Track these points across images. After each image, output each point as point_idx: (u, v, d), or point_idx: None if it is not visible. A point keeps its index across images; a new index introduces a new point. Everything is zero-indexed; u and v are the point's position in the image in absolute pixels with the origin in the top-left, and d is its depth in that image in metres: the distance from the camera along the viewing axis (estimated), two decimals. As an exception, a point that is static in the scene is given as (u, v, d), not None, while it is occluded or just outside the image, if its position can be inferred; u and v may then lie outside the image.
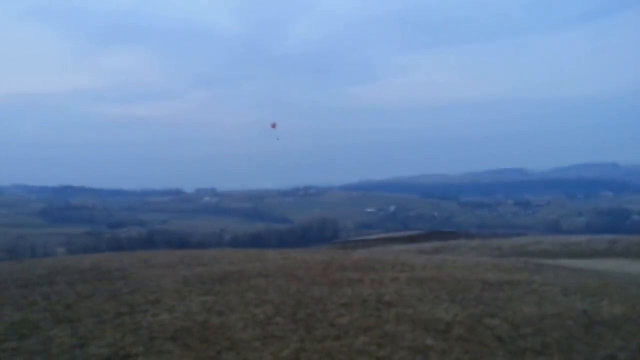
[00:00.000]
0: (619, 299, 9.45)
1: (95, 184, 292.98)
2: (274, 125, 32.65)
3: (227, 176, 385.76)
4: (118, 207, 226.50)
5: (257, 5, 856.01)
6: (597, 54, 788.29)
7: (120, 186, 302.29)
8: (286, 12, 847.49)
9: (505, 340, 6.90)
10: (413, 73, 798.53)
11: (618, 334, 7.47)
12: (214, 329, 6.94)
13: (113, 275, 10.76)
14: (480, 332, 7.19)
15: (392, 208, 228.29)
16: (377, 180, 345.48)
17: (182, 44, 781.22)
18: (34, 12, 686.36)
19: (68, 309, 8.02)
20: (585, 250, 50.70)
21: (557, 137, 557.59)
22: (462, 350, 6.45)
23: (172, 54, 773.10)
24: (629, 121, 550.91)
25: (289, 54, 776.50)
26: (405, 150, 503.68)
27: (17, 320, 7.50)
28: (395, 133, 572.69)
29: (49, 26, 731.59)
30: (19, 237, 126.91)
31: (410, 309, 8.08)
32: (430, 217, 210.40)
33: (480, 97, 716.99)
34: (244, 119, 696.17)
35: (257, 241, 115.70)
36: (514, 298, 9.15)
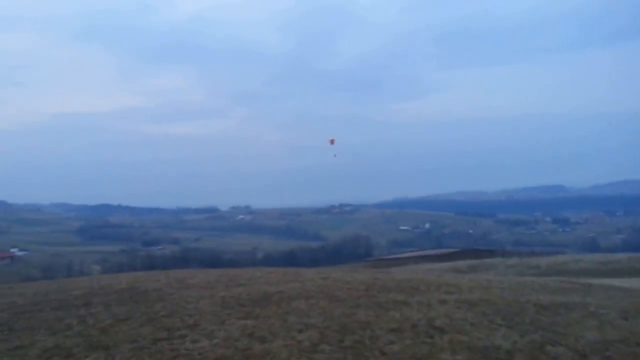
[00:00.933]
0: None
1: (133, 203, 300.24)
2: (332, 142, 32.86)
3: (262, 194, 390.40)
4: (154, 225, 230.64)
5: (303, 22, 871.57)
6: (635, 72, 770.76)
7: (158, 204, 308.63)
8: (331, 28, 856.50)
9: (572, 371, 6.33)
10: (455, 88, 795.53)
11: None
12: (257, 357, 6.51)
13: (150, 296, 10.48)
14: (544, 361, 6.61)
15: (426, 225, 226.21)
16: (413, 197, 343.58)
17: (226, 62, 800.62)
18: (86, 33, 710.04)
19: (103, 333, 7.70)
20: (625, 268, 48.87)
21: (596, 154, 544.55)
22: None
23: (216, 72, 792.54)
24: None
25: (333, 70, 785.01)
26: (442, 167, 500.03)
27: (50, 346, 7.21)
28: (433, 150, 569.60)
29: (99, 46, 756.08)
30: (55, 255, 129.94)
31: (465, 336, 7.50)
32: (465, 234, 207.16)
33: (519, 112, 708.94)
34: (283, 136, 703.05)
35: (290, 259, 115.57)
36: (573, 322, 8.51)
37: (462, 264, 66.98)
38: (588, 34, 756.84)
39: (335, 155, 34.16)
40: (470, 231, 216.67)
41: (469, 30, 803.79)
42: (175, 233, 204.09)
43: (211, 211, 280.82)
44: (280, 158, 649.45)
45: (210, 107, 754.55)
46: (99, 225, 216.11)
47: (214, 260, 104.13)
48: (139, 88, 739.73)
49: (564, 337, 7.68)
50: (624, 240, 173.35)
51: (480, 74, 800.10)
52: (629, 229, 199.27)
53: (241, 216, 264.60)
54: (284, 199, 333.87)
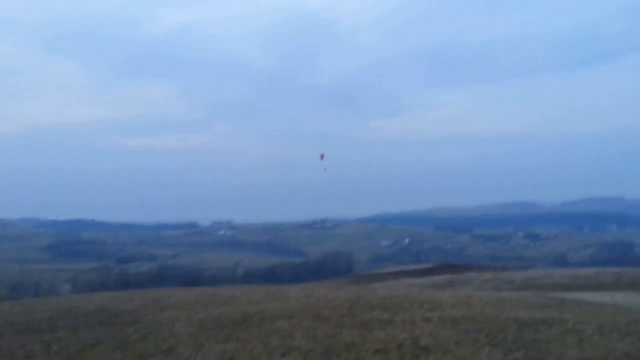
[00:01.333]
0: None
1: (108, 218, 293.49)
2: (322, 157, 32.89)
3: (245, 209, 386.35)
4: (129, 241, 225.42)
5: (287, 38, 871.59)
6: (605, 93, 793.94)
7: (135, 220, 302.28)
8: (315, 45, 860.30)
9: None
10: (433, 108, 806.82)
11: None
12: (239, 383, 6.35)
13: (122, 319, 10.08)
14: (530, 380, 6.60)
15: (406, 241, 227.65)
16: (393, 213, 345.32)
17: (210, 76, 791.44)
18: (58, 42, 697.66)
19: (69, 362, 7.38)
20: (593, 283, 49.86)
21: (567, 172, 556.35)
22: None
23: (199, 85, 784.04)
24: (634, 156, 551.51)
25: (316, 87, 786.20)
26: (422, 183, 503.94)
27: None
28: (413, 166, 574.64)
29: (78, 56, 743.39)
30: (22, 273, 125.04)
31: (450, 355, 7.45)
32: (443, 250, 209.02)
33: (495, 131, 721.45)
34: (265, 151, 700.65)
35: (272, 275, 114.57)
36: (553, 340, 8.53)
37: (440, 279, 67.36)
38: (560, 59, 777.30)
39: (325, 170, 34.35)
40: (448, 246, 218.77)
41: (448, 53, 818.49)
42: (153, 250, 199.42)
43: (191, 227, 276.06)
44: (262, 173, 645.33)
45: (192, 120, 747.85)
46: (71, 242, 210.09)
47: (193, 278, 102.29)
48: (118, 100, 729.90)
49: (547, 355, 7.69)
50: (592, 255, 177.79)
51: (458, 95, 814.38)
52: (597, 245, 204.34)
53: (222, 232, 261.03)
54: (267, 214, 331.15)
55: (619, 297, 21.97)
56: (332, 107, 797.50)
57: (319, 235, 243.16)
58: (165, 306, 11.26)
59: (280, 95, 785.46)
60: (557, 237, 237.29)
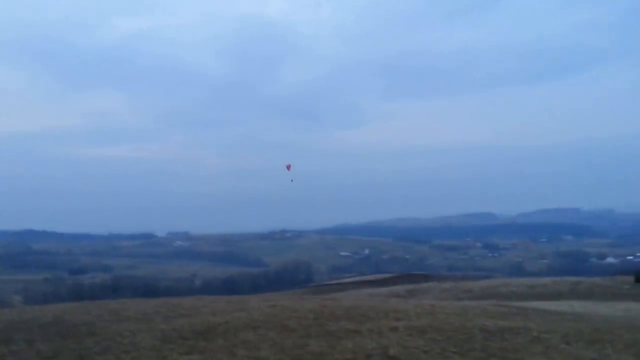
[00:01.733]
0: (621, 346, 9.07)
1: (60, 228, 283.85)
2: (289, 167, 32.65)
3: (202, 219, 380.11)
4: (83, 252, 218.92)
5: (245, 47, 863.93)
6: (563, 106, 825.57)
7: (88, 230, 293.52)
8: (274, 54, 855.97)
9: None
10: (393, 119, 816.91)
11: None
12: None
13: (80, 330, 9.55)
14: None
15: (366, 251, 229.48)
16: (353, 224, 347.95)
17: (166, 84, 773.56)
18: (15, 50, 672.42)
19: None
20: (551, 291, 51.18)
21: (524, 183, 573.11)
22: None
23: (154, 94, 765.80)
24: (590, 169, 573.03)
25: (275, 96, 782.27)
26: (382, 194, 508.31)
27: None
28: (372, 177, 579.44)
29: (26, 63, 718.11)
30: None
31: (420, 365, 7.40)
32: (402, 260, 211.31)
33: (454, 143, 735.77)
34: (222, 161, 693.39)
35: (229, 286, 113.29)
36: (520, 348, 8.59)
37: (400, 288, 67.87)
38: (519, 72, 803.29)
39: (292, 181, 34.17)
40: (407, 256, 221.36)
41: (408, 65, 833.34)
42: (107, 260, 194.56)
43: (147, 237, 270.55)
44: (220, 183, 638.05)
45: (146, 129, 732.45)
46: (21, 252, 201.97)
47: (149, 289, 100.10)
48: (71, 108, 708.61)
49: (515, 364, 7.71)
50: (548, 265, 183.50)
51: (418, 106, 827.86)
52: (552, 255, 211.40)
53: (179, 242, 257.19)
54: (225, 224, 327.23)
55: (577, 306, 22.56)
56: (292, 116, 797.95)
57: (278, 245, 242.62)
58: (124, 317, 10.79)
59: (238, 104, 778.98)
60: (514, 247, 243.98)
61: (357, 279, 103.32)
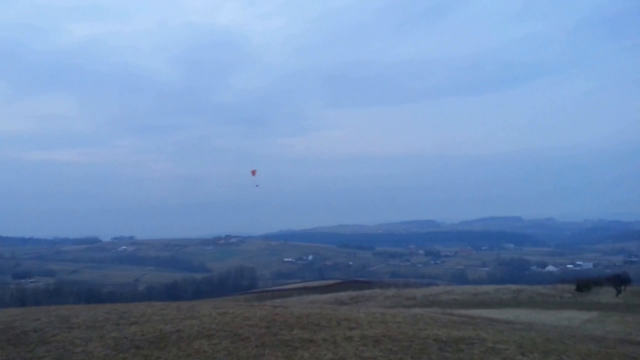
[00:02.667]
0: (576, 357, 9.25)
1: (2, 232, 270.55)
2: (254, 173, 32.38)
3: (147, 224, 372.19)
4: (26, 256, 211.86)
5: (197, 54, 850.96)
6: (505, 117, 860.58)
7: (32, 234, 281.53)
8: (225, 62, 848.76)
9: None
10: (338, 128, 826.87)
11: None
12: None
13: (30, 338, 9.04)
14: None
15: (309, 257, 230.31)
16: (297, 230, 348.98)
17: (116, 90, 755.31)
18: None
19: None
20: (493, 299, 52.81)
21: (466, 191, 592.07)
22: None
23: (104, 99, 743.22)
24: (531, 178, 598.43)
25: (224, 104, 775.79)
26: (326, 201, 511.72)
27: None
28: (317, 184, 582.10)
29: None
30: None
31: (380, 376, 7.42)
32: (346, 266, 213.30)
33: (398, 152, 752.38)
34: (169, 166, 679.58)
35: (173, 291, 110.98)
36: (477, 359, 8.69)
37: (343, 295, 68.23)
38: (462, 83, 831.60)
39: (257, 186, 34.00)
40: (350, 263, 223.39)
41: (354, 75, 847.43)
42: (51, 265, 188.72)
43: (91, 242, 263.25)
44: (166, 188, 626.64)
45: (95, 134, 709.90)
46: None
47: (92, 294, 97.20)
48: (19, 113, 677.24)
49: (473, 375, 7.82)
50: (489, 272, 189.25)
51: (363, 115, 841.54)
52: (494, 262, 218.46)
53: (124, 247, 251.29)
54: (170, 230, 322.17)
55: (522, 314, 23.27)
56: (240, 123, 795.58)
57: (223, 251, 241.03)
58: (74, 324, 10.29)
59: (188, 110, 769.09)
60: (456, 254, 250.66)
61: (301, 285, 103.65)
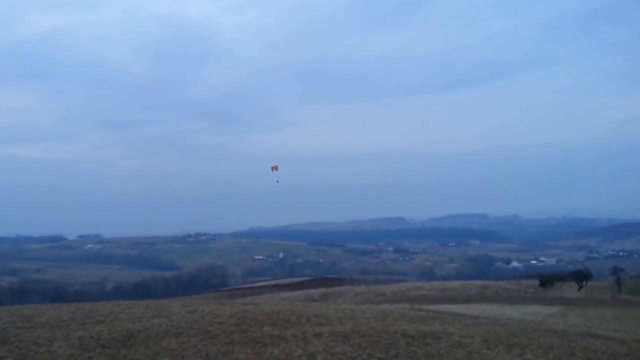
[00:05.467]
0: (540, 351, 9.50)
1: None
2: (275, 168, 31.64)
3: (115, 222, 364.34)
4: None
5: (167, 47, 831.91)
6: (472, 116, 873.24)
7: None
8: (196, 56, 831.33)
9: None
10: (311, 124, 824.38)
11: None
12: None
13: (-9, 338, 8.84)
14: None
15: (280, 255, 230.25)
16: (268, 227, 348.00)
17: (82, 84, 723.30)
18: None
19: None
20: (460, 295, 53.99)
21: (434, 189, 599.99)
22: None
23: (70, 93, 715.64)
24: (497, 176, 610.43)
25: (195, 99, 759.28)
26: (296, 199, 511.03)
27: None
28: (288, 181, 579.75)
29: None
30: None
31: (348, 371, 7.49)
32: (316, 263, 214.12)
33: (367, 149, 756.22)
34: (138, 163, 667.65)
35: (142, 290, 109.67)
36: (444, 353, 8.80)
37: (314, 292, 68.80)
38: (430, 82, 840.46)
39: (277, 182, 33.31)
40: (321, 260, 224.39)
41: (328, 71, 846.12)
42: (14, 263, 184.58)
43: (56, 240, 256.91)
44: (134, 185, 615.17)
45: (60, 128, 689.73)
46: None
47: (58, 293, 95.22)
48: None
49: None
50: (456, 268, 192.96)
51: (335, 112, 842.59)
52: (461, 259, 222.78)
53: (90, 245, 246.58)
54: (138, 227, 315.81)
55: (487, 309, 23.83)
56: (210, 119, 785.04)
57: (193, 249, 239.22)
58: (38, 324, 10.04)
59: (157, 104, 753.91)
60: (424, 251, 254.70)
61: (272, 282, 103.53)
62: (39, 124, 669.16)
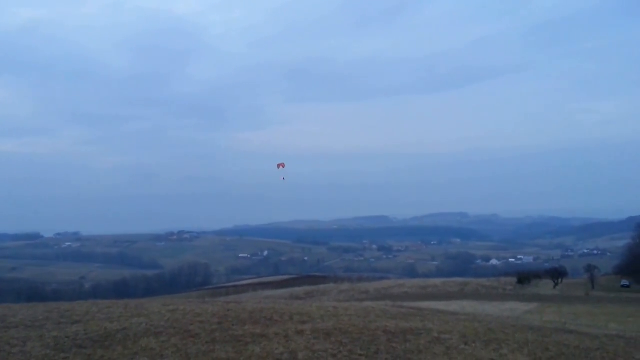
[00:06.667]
0: (515, 346, 9.65)
1: None
2: (282, 165, 31.29)
3: (95, 220, 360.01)
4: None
5: (153, 43, 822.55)
6: (455, 118, 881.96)
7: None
8: (181, 53, 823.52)
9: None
10: (297, 123, 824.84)
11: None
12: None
13: (-37, 339, 8.60)
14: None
15: (265, 253, 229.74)
16: (253, 225, 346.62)
17: (62, 77, 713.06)
18: None
19: None
20: (441, 292, 54.43)
21: (417, 188, 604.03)
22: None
23: (49, 86, 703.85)
24: (477, 176, 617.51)
25: (180, 96, 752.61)
26: (281, 197, 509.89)
27: None
28: (273, 180, 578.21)
29: None
30: None
31: (330, 369, 7.45)
32: (301, 261, 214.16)
33: (352, 148, 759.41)
34: (120, 159, 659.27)
35: (122, 289, 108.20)
36: (423, 349, 8.86)
37: (298, 290, 68.72)
38: (415, 82, 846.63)
39: (284, 179, 33.01)
40: (306, 258, 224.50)
41: (314, 70, 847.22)
42: None
43: (32, 238, 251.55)
44: (116, 182, 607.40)
45: (39, 124, 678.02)
46: None
47: (34, 293, 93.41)
48: None
49: (416, 364, 7.99)
50: (438, 266, 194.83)
51: (321, 111, 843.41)
52: (442, 257, 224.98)
53: (68, 243, 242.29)
54: (119, 225, 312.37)
55: (467, 306, 24.05)
56: (196, 116, 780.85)
57: (175, 247, 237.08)
58: (12, 324, 9.81)
59: (141, 100, 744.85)
60: (407, 249, 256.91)
61: (256, 280, 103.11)
62: (15, 116, 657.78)
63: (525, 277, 70.85)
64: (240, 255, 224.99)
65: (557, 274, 71.75)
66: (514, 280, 69.91)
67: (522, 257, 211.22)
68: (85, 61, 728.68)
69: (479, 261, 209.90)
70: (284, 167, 32.09)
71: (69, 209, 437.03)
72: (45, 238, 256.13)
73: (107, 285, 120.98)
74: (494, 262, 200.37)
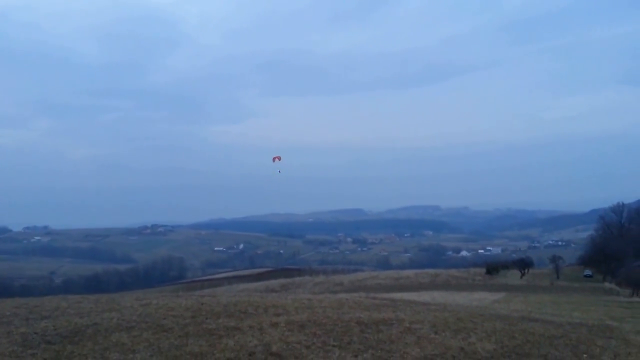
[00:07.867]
0: (483, 334, 9.92)
1: None
2: (279, 158, 30.87)
3: (65, 213, 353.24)
4: None
5: (127, 34, 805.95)
6: (427, 113, 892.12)
7: None
8: (156, 44, 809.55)
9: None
10: (273, 116, 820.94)
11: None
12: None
13: None
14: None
15: (241, 246, 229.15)
16: (228, 218, 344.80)
17: (31, 68, 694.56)
18: None
19: None
20: (414, 283, 55.21)
21: (391, 182, 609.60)
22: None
23: (17, 77, 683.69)
24: (448, 170, 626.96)
25: (154, 87, 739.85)
26: (256, 190, 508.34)
27: None
28: (248, 172, 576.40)
29: None
30: None
31: (303, 360, 7.48)
32: (276, 254, 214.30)
33: (327, 142, 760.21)
34: (91, 152, 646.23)
35: (94, 284, 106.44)
36: (395, 339, 9.02)
37: (274, 283, 68.84)
38: (389, 77, 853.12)
39: (280, 172, 32.62)
40: (281, 251, 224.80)
41: (290, 63, 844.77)
42: None
43: (0, 232, 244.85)
44: (88, 175, 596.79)
45: (6, 113, 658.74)
46: None
47: (2, 289, 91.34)
48: None
49: (391, 354, 8.08)
50: (411, 258, 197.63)
51: (297, 104, 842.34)
52: (415, 249, 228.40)
53: (37, 237, 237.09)
54: (90, 219, 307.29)
55: (438, 296, 24.45)
56: (171, 108, 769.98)
57: (149, 241, 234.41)
58: (-23, 321, 9.59)
59: (113, 91, 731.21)
60: (381, 241, 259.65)
61: (232, 274, 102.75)
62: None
63: (493, 267, 72.66)
64: (216, 248, 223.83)
65: (523, 264, 73.71)
66: (482, 270, 71.59)
67: (490, 248, 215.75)
68: (56, 48, 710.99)
69: (450, 253, 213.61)
70: (280, 160, 31.95)
71: (38, 202, 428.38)
72: (13, 232, 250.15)
73: (78, 281, 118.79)
74: (464, 253, 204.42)
